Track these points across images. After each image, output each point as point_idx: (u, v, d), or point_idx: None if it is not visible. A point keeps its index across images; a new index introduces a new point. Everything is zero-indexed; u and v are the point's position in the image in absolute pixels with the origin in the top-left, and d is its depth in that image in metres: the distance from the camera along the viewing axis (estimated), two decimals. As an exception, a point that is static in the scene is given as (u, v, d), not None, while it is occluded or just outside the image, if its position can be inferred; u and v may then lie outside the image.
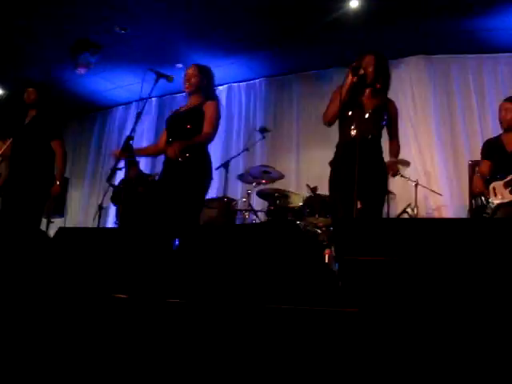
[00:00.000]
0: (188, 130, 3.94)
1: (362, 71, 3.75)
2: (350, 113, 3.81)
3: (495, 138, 4.76)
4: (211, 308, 2.23)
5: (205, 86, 4.07)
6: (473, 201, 4.74)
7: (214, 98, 4.10)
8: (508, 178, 4.41)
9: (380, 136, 3.88)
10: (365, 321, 1.70)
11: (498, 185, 4.47)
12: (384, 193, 3.93)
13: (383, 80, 3.88)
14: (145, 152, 4.52)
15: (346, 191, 3.57)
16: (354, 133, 3.77)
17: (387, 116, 3.89)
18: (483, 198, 4.59)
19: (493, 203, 4.46)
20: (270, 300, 2.03)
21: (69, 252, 3.09)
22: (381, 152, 3.88)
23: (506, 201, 4.38)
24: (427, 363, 1.62)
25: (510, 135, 4.56)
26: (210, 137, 3.97)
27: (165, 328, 2.25)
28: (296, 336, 1.77)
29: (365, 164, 3.62)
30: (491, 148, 4.68)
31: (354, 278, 2.44)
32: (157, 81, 4.01)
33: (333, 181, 3.83)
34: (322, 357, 1.66)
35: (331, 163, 3.89)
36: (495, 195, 4.46)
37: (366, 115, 3.81)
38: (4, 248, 3.60)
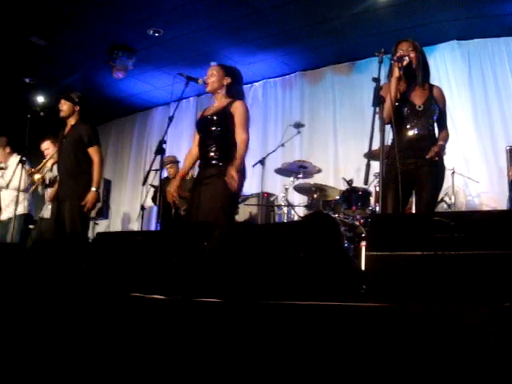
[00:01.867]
0: (217, 133, 4.00)
1: (406, 59, 3.67)
2: (403, 111, 3.73)
3: None
4: (243, 307, 2.29)
5: (229, 85, 4.08)
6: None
7: (240, 97, 4.11)
8: None
9: (435, 130, 3.80)
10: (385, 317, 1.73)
11: None
12: (438, 191, 3.82)
13: (424, 65, 3.81)
14: (188, 168, 4.37)
15: (399, 192, 3.48)
16: (410, 133, 3.72)
17: (438, 108, 3.79)
18: None
19: None
20: (283, 297, 2.08)
21: (107, 255, 3.21)
22: None
23: None
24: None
25: None
26: (247, 142, 3.97)
27: (200, 328, 2.32)
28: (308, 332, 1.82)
29: (423, 162, 3.62)
30: None
31: (379, 274, 2.47)
32: (186, 84, 4.11)
33: (386, 179, 3.55)
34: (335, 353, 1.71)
35: (387, 160, 3.63)
36: None
37: (419, 111, 3.72)
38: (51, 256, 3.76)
